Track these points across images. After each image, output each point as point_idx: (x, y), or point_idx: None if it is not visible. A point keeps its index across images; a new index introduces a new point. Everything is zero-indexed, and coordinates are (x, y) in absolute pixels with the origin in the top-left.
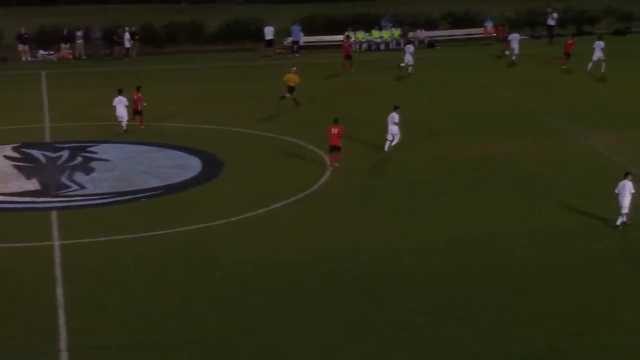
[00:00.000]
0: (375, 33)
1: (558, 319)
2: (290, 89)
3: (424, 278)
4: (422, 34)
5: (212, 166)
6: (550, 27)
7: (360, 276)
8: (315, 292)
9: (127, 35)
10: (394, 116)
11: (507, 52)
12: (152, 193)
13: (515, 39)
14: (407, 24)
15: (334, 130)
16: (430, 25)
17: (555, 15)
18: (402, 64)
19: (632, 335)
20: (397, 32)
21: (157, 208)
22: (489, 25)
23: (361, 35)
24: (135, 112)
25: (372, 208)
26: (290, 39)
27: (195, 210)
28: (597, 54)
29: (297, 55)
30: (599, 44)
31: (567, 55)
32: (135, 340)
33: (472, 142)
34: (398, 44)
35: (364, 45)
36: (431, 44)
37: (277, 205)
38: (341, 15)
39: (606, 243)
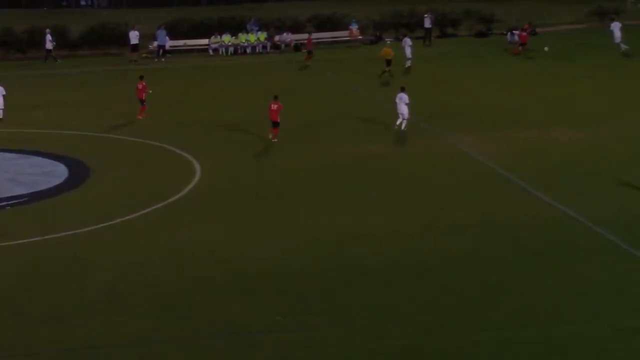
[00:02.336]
0: (242, 37)
1: (426, 318)
2: (388, 62)
3: (293, 281)
4: (288, 37)
5: (78, 173)
6: (427, 30)
7: (229, 280)
8: (185, 296)
9: None
10: (403, 96)
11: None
12: (18, 201)
13: (406, 43)
14: (273, 27)
15: (274, 107)
16: (296, 28)
17: (430, 17)
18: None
19: (495, 333)
20: (263, 35)
21: (22, 216)
22: (354, 28)
23: (227, 39)
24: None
25: (240, 212)
26: (155, 44)
27: (62, 217)
28: (408, 53)
29: (163, 59)
30: (407, 41)
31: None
32: (1, 352)
33: (341, 144)
34: (264, 47)
35: (230, 49)
36: (297, 47)
37: (145, 210)
38: (206, 19)
39: (473, 240)
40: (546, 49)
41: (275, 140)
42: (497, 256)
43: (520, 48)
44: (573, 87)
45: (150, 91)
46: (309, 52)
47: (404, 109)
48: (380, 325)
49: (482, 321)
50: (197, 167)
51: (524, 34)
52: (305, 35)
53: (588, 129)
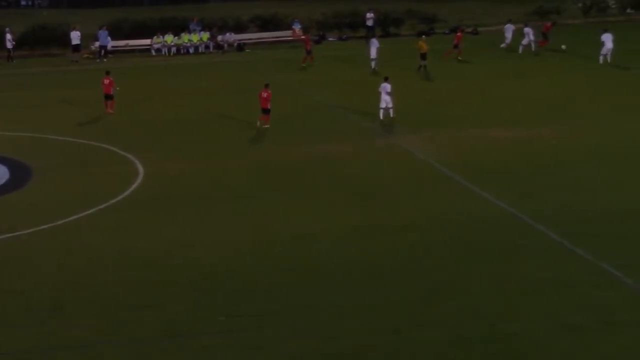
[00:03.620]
0: (185, 37)
1: (374, 318)
2: (423, 56)
3: (238, 281)
4: (231, 37)
5: (20, 174)
6: (370, 29)
7: (174, 281)
8: (129, 298)
9: None
10: (386, 86)
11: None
12: None
13: (373, 44)
14: (216, 27)
15: (264, 94)
16: (238, 28)
17: (372, 16)
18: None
19: (441, 332)
20: (205, 35)
21: None
22: (297, 28)
23: (170, 39)
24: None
25: (187, 212)
26: (97, 44)
27: (3, 218)
28: (373, 53)
29: (104, 60)
30: (374, 42)
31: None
32: None
33: (287, 144)
34: (207, 47)
35: (173, 50)
36: (240, 46)
37: (89, 212)
38: (148, 19)
39: (418, 240)
40: (563, 47)
41: (267, 125)
42: (442, 255)
43: (455, 50)
44: (514, 86)
45: (118, 88)
46: (308, 52)
47: (387, 98)
48: (328, 325)
49: (428, 320)
50: (141, 168)
51: (459, 34)
52: (248, 35)
53: (530, 128)
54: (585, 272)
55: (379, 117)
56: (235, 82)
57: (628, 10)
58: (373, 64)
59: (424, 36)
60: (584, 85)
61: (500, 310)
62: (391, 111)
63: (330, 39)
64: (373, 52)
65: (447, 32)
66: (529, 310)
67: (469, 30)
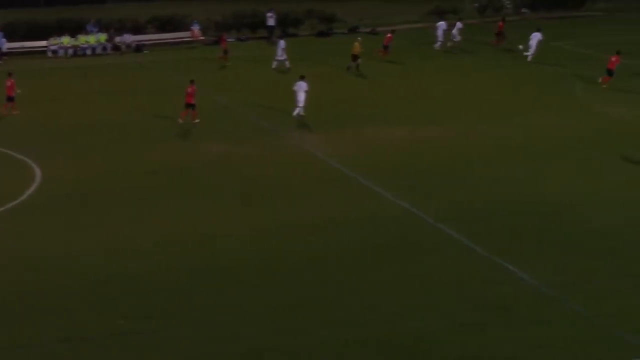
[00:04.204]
0: (82, 38)
1: (277, 318)
2: (354, 57)
3: (142, 283)
4: (129, 38)
5: None
6: (270, 28)
7: (72, 285)
8: (25, 303)
9: None
10: (302, 85)
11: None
12: None
13: (280, 44)
14: (114, 28)
15: (189, 90)
16: (136, 29)
17: (272, 15)
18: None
19: (344, 332)
20: (103, 37)
21: None
22: (196, 28)
23: (67, 40)
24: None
25: (85, 216)
26: None
27: None
28: (280, 54)
29: (0, 62)
30: (281, 44)
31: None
32: None
33: (191, 146)
34: (105, 48)
35: (70, 51)
36: (138, 48)
37: None
38: (44, 20)
39: (321, 240)
40: (521, 46)
41: (197, 120)
42: (344, 255)
43: (386, 51)
44: (417, 86)
45: (19, 90)
46: (225, 52)
47: (302, 97)
48: (230, 326)
49: (330, 320)
50: (38, 171)
51: (389, 35)
52: (146, 36)
53: (431, 127)
54: (483, 269)
55: (293, 114)
56: (135, 84)
57: (523, 10)
58: (275, 64)
59: (359, 38)
60: (489, 84)
61: (402, 308)
62: (301, 110)
63: (230, 39)
64: (279, 53)
65: (345, 32)
66: (429, 308)
67: (368, 30)
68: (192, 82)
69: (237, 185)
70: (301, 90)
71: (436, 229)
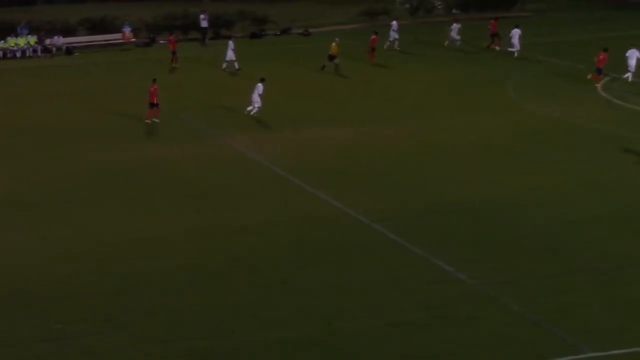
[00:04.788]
0: (11, 41)
1: (211, 319)
2: (331, 57)
3: (74, 287)
4: (59, 40)
5: None
6: (204, 30)
7: (4, 290)
8: None
9: None
10: (259, 87)
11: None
12: None
13: (229, 45)
14: (44, 30)
15: (151, 89)
16: (67, 31)
17: (205, 17)
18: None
19: (279, 332)
20: (33, 39)
21: None
22: (127, 30)
23: None
24: None
25: (19, 217)
26: None
27: None
28: (230, 55)
29: None
30: (230, 45)
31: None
32: None
33: (121, 148)
34: (35, 51)
35: None
36: (69, 50)
37: None
38: None
39: (256, 242)
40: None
41: (157, 120)
42: (280, 256)
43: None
44: (353, 87)
45: None
46: (173, 53)
47: (256, 98)
48: (165, 328)
49: (266, 321)
50: None
51: (374, 37)
52: (77, 38)
53: (366, 128)
54: (419, 269)
55: (247, 111)
56: (65, 86)
57: (454, 11)
58: (225, 65)
59: (337, 39)
60: (426, 85)
61: (337, 309)
62: (255, 110)
63: (162, 41)
64: (229, 54)
65: (278, 33)
66: (365, 308)
67: (300, 31)
68: (154, 81)
69: (173, 188)
70: (256, 92)
71: (372, 229)
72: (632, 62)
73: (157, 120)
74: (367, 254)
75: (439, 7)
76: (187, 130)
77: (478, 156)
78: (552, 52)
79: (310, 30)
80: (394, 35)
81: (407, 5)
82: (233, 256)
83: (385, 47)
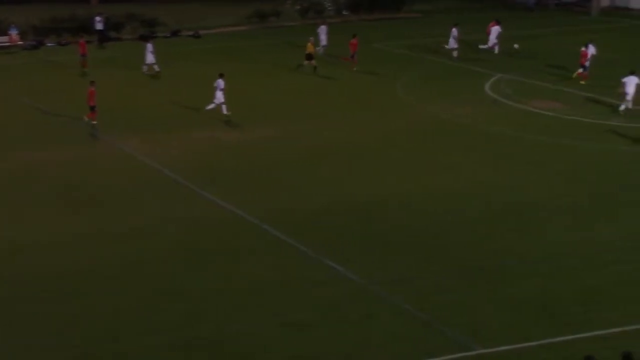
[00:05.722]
0: None
1: (101, 324)
2: (308, 56)
3: None
4: None
5: None
6: (101, 32)
7: None
8: None
9: None
10: (220, 83)
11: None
12: None
13: (148, 49)
14: None
15: (89, 91)
16: None
17: (101, 19)
18: None
19: (168, 336)
20: None
21: None
22: (14, 33)
23: None
24: None
25: None
26: None
27: None
28: (149, 58)
29: None
30: (149, 47)
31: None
32: None
33: (7, 153)
34: None
35: None
36: None
37: None
38: None
39: (144, 245)
40: (516, 46)
41: (94, 122)
42: (169, 259)
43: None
44: (240, 89)
45: None
46: (82, 56)
47: (219, 94)
48: (47, 335)
49: (152, 326)
50: None
51: (354, 41)
52: None
53: (257, 129)
54: (310, 270)
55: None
56: None
57: (344, 12)
58: (145, 68)
59: (311, 38)
60: (313, 87)
61: (227, 311)
62: (223, 108)
63: (50, 44)
64: (149, 57)
65: (168, 35)
66: (256, 310)
67: (190, 33)
68: (92, 83)
69: (60, 192)
70: (217, 88)
71: (262, 231)
72: (631, 90)
73: (94, 122)
74: (258, 255)
75: (330, 8)
76: (77, 133)
77: (368, 156)
78: (441, 52)
79: (201, 32)
80: (323, 40)
81: (298, 7)
82: (120, 261)
83: (320, 52)
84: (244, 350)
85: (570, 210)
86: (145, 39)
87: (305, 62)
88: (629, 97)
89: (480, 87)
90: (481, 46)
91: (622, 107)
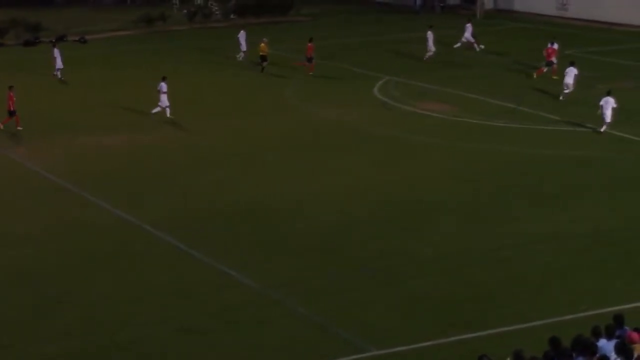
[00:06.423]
0: None
1: None
2: (263, 58)
3: None
4: None
5: None
6: None
7: None
8: None
9: None
10: (162, 85)
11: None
12: None
13: (55, 52)
14: None
15: (9, 96)
16: None
17: None
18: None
19: (61, 344)
20: None
21: None
22: None
23: None
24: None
25: None
26: None
27: None
28: (59, 63)
29: None
30: (55, 52)
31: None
32: None
33: None
34: None
35: None
36: None
37: None
38: None
39: (34, 253)
40: (482, 46)
41: (19, 127)
42: (59, 267)
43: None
44: (127, 93)
45: None
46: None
47: (163, 98)
48: None
49: (48, 332)
50: None
51: (310, 44)
52: None
53: (144, 134)
54: (204, 275)
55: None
56: None
57: (232, 16)
58: (58, 73)
59: (265, 39)
60: (206, 90)
61: (121, 318)
62: (167, 111)
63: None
64: (58, 62)
65: (53, 40)
66: (150, 316)
67: (76, 38)
68: (10, 88)
69: None
70: (161, 91)
71: (155, 236)
72: (570, 81)
73: (19, 128)
74: (151, 261)
75: (217, 12)
76: None
77: (258, 159)
78: (329, 56)
79: (87, 37)
80: (243, 46)
81: (185, 11)
82: (8, 269)
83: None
84: (139, 357)
85: (460, 210)
86: (53, 43)
87: (264, 63)
88: (567, 89)
89: (369, 90)
90: (456, 45)
91: (561, 97)
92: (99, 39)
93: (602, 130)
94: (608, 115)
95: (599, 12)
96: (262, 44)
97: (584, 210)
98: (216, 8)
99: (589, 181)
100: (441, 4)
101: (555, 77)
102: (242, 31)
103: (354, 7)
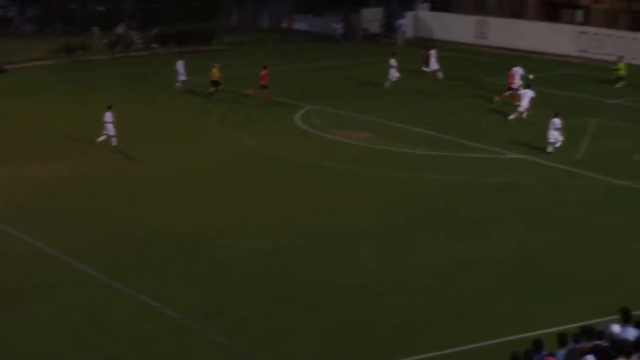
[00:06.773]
0: None
1: None
2: (215, 83)
3: None
4: None
5: None
6: None
7: None
8: None
9: None
10: (108, 115)
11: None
12: None
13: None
14: None
15: None
16: None
17: None
18: None
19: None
20: None
21: None
22: None
23: None
24: None
25: None
26: None
27: None
28: None
29: None
30: None
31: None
32: None
33: None
34: None
35: None
36: None
37: None
38: None
39: None
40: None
41: None
42: None
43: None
44: (50, 122)
45: None
46: None
47: (109, 127)
48: None
49: None
50: None
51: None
52: None
53: (63, 164)
54: (123, 305)
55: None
56: None
57: (153, 45)
58: None
59: (217, 65)
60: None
61: (40, 350)
62: (113, 140)
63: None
64: None
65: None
66: (68, 349)
67: None
68: None
69: None
70: (107, 120)
71: (74, 268)
72: (525, 103)
73: None
74: (68, 293)
75: (138, 41)
76: None
77: (178, 188)
78: (251, 84)
79: (7, 66)
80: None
81: (106, 40)
82: None
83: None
84: None
85: (381, 237)
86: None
87: (212, 89)
88: (522, 109)
89: (290, 119)
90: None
91: (512, 116)
92: (19, 68)
93: (548, 151)
94: (553, 135)
95: (517, 41)
96: (214, 70)
97: (503, 237)
98: (137, 37)
99: (509, 208)
100: (363, 33)
101: (517, 104)
102: (180, 60)
103: (275, 35)
